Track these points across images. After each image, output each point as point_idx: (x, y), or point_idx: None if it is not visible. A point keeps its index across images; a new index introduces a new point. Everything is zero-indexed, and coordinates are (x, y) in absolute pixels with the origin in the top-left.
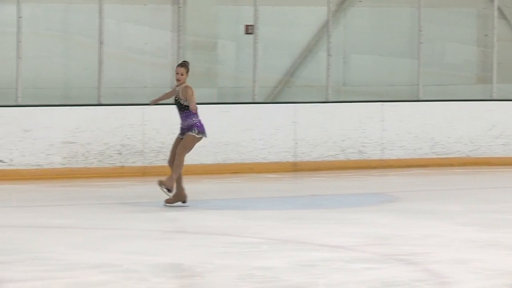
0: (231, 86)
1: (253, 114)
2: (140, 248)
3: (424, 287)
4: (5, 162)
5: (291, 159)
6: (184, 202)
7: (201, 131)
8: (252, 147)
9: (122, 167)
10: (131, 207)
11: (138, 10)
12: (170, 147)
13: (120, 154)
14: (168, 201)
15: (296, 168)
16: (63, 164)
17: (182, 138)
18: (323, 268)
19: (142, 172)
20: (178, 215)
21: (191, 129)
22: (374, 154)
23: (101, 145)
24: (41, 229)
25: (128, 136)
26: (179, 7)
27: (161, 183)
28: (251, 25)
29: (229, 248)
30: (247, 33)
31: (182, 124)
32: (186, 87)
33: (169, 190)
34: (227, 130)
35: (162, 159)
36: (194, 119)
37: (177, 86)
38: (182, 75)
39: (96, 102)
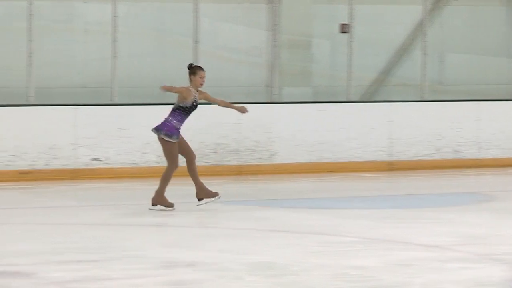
0: (325, 85)
1: (348, 113)
2: (235, 246)
3: None
4: (101, 161)
5: (386, 158)
6: (213, 197)
7: (168, 134)
8: (347, 146)
9: (218, 165)
10: (226, 206)
11: (233, 9)
12: (265, 146)
13: (215, 152)
14: (199, 198)
15: (391, 167)
16: (158, 163)
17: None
18: (419, 268)
19: (238, 171)
20: (272, 214)
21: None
22: (469, 153)
23: (197, 144)
24: (136, 227)
25: (223, 135)
26: (274, 6)
27: (154, 204)
28: (346, 24)
29: (324, 247)
30: (342, 32)
31: (180, 126)
32: (201, 92)
33: (171, 206)
34: (322, 129)
35: (257, 158)
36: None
37: (194, 89)
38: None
39: None
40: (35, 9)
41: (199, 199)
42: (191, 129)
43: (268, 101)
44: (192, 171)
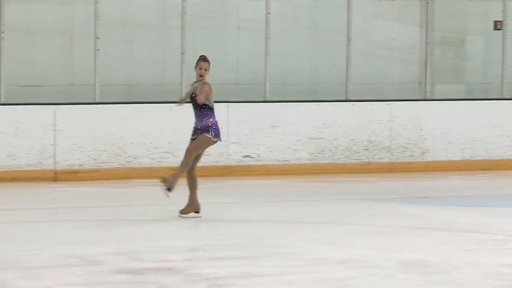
0: (479, 82)
1: (501, 110)
2: (386, 244)
3: None
4: (252, 158)
5: None
6: (197, 212)
7: (217, 134)
8: (500, 144)
9: (369, 163)
10: (377, 203)
11: (386, 6)
12: (417, 143)
13: (367, 150)
14: (183, 211)
15: None
16: (310, 160)
17: (194, 139)
18: None
19: (389, 168)
20: (424, 212)
21: (207, 131)
22: None
23: (348, 141)
24: (287, 224)
25: (375, 132)
26: (428, 2)
27: (163, 180)
28: (500, 21)
29: (476, 245)
30: (496, 29)
31: (196, 124)
32: (205, 83)
33: (169, 189)
34: (475, 126)
35: (409, 155)
36: (211, 119)
37: (195, 82)
38: (206, 70)
39: (343, 98)
40: (188, 6)
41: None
42: (344, 127)
43: (421, 98)
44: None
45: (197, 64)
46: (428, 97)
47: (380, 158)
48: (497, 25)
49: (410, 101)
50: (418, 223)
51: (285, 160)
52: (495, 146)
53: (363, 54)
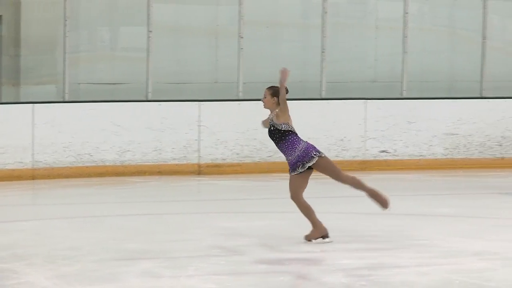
0: None
1: None
2: None
3: None
4: (389, 153)
5: None
6: (325, 237)
7: (317, 150)
8: None
9: (502, 158)
10: (510, 197)
11: None
12: None
13: (500, 145)
14: (309, 237)
15: None
16: (444, 155)
17: (302, 172)
18: None
19: None
20: None
21: (310, 157)
22: None
23: (482, 137)
24: (425, 217)
25: (509, 128)
26: None
27: (309, 239)
28: None
29: None
30: None
31: (290, 159)
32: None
33: (323, 237)
34: None
35: None
36: (301, 144)
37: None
38: (265, 97)
39: (478, 95)
40: (329, 6)
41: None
42: (479, 123)
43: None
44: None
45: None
46: None
47: None
48: None
49: None
50: None
51: (421, 155)
52: None
53: (498, 52)
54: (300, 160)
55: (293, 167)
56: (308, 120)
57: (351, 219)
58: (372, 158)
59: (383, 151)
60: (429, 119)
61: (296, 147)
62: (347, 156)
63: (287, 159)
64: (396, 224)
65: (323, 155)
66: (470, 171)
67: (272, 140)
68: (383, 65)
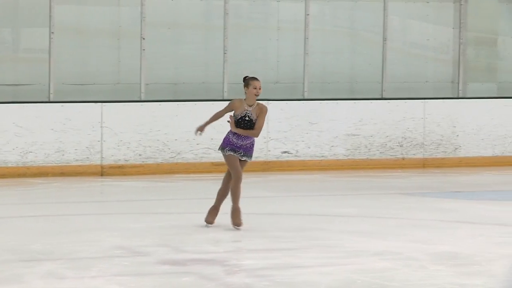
0: (510, 81)
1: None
2: (420, 237)
3: None
4: (291, 153)
5: None
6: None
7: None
8: None
9: (403, 159)
10: (411, 198)
11: (420, 7)
12: (449, 139)
13: (401, 146)
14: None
15: None
16: (346, 156)
17: (235, 156)
18: None
19: (422, 164)
20: (457, 206)
21: (251, 155)
22: None
23: (383, 138)
24: (326, 217)
25: (410, 129)
26: (461, 4)
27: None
28: None
29: (507, 237)
30: None
31: (241, 143)
32: (263, 107)
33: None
34: (506, 123)
35: (442, 151)
36: (252, 140)
37: (247, 101)
38: (260, 89)
39: (379, 96)
40: (230, 8)
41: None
42: (380, 124)
43: (454, 96)
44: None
45: (249, 83)
46: (461, 95)
47: (414, 154)
48: None
49: (444, 99)
50: (451, 217)
51: (323, 156)
52: None
53: (398, 53)
54: (244, 149)
55: (232, 147)
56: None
57: (254, 219)
58: (274, 159)
59: (285, 152)
60: (330, 120)
61: (249, 139)
62: None
63: (243, 142)
64: (299, 225)
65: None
66: (372, 172)
67: (239, 126)
68: (285, 66)
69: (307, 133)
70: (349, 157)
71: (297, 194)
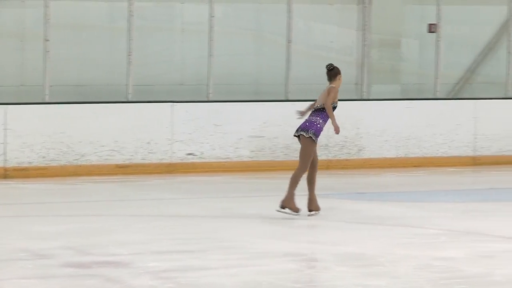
0: (414, 83)
1: (435, 109)
2: (325, 238)
3: None
4: (196, 155)
5: (470, 153)
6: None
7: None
8: (433, 142)
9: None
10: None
11: (325, 9)
12: (353, 141)
13: None
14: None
15: (475, 162)
16: (250, 157)
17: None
18: (501, 259)
19: (327, 166)
20: (361, 207)
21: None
22: None
23: (288, 139)
24: (231, 219)
25: None
26: (365, 6)
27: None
28: (434, 24)
29: (410, 239)
30: (430, 32)
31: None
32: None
33: (292, 211)
34: (409, 125)
35: (346, 153)
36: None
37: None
38: None
39: (284, 98)
40: (135, 9)
41: (310, 210)
42: (284, 125)
43: (358, 98)
44: (312, 177)
45: (340, 73)
46: (365, 97)
47: (318, 156)
48: (431, 28)
49: (348, 101)
50: (355, 218)
51: (227, 158)
52: (428, 144)
53: (303, 56)
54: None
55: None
56: (115, 123)
57: (159, 221)
58: (179, 161)
59: (190, 154)
60: (235, 121)
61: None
62: (154, 159)
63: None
64: (204, 226)
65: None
66: (276, 173)
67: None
68: (189, 68)
69: (211, 135)
70: (253, 159)
71: (202, 196)
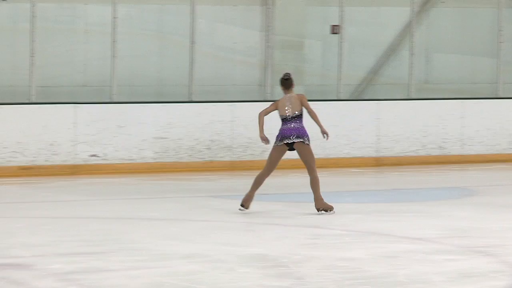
0: (317, 84)
1: (338, 110)
2: (229, 239)
3: (502, 278)
4: (100, 157)
5: (374, 154)
6: (327, 210)
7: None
8: (336, 143)
9: (212, 161)
10: (220, 200)
11: (228, 10)
12: (257, 142)
13: (209, 149)
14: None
15: (378, 163)
16: (154, 159)
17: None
18: (404, 259)
19: (231, 167)
20: (264, 208)
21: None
22: (454, 149)
23: (192, 141)
24: (134, 221)
25: (218, 132)
26: (268, 8)
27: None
28: (337, 25)
29: (313, 239)
30: (333, 33)
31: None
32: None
33: (328, 210)
34: (313, 126)
35: (249, 154)
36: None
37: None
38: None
39: (187, 99)
40: (38, 10)
41: (241, 205)
42: (188, 127)
43: (261, 99)
44: (262, 179)
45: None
46: (269, 98)
47: (222, 157)
48: (334, 30)
49: (251, 102)
50: (259, 219)
51: (131, 159)
52: (332, 145)
53: (206, 57)
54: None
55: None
56: (17, 125)
57: (62, 223)
58: (82, 163)
59: (93, 155)
60: (139, 123)
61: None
62: (57, 160)
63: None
64: (107, 228)
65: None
66: (180, 175)
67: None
68: (93, 70)
69: (115, 136)
70: (157, 160)
71: (106, 198)
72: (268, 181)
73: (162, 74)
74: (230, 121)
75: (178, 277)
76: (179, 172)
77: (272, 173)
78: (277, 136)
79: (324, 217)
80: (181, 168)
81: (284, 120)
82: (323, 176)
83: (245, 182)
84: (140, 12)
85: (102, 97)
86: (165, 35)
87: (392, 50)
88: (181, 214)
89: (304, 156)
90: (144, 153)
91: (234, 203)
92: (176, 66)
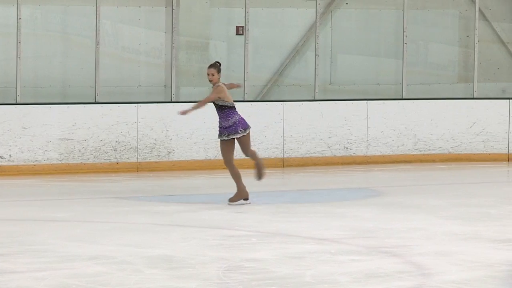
0: None
1: (243, 111)
2: (135, 240)
3: (408, 278)
4: (4, 158)
5: (279, 155)
6: (245, 199)
7: (245, 127)
8: None
9: (117, 163)
10: (125, 202)
11: (133, 12)
12: (163, 143)
13: (115, 150)
14: (232, 200)
15: (284, 164)
16: (60, 160)
17: (227, 140)
18: (310, 260)
19: (137, 168)
20: (170, 209)
21: (235, 131)
22: (359, 150)
23: (97, 142)
24: (39, 222)
25: (123, 133)
26: (173, 9)
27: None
28: (242, 27)
29: (220, 240)
30: (238, 34)
31: (222, 124)
32: (214, 88)
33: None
34: (217, 127)
35: (155, 155)
36: (236, 117)
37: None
38: (213, 75)
39: (92, 101)
40: None
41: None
42: (93, 128)
43: (167, 100)
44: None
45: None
46: (174, 99)
47: (128, 158)
48: (239, 31)
49: (157, 103)
50: (165, 220)
51: (36, 161)
52: (236, 146)
53: (111, 58)
54: (226, 130)
55: (220, 132)
56: None
57: None
58: None
59: None
60: (43, 124)
61: (229, 119)
62: None
63: (219, 124)
64: (10, 230)
65: (246, 134)
66: (86, 176)
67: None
68: None
69: (20, 138)
70: (62, 162)
71: (10, 199)
72: (174, 182)
73: (67, 75)
74: (135, 122)
75: (84, 278)
76: (85, 174)
77: (174, 175)
78: (237, 125)
79: (231, 218)
80: (87, 170)
81: (233, 108)
82: (228, 177)
83: (151, 183)
84: (45, 13)
85: (7, 98)
86: (69, 36)
87: (297, 51)
88: (86, 215)
89: (242, 148)
90: (49, 154)
91: (139, 204)
92: (81, 67)
